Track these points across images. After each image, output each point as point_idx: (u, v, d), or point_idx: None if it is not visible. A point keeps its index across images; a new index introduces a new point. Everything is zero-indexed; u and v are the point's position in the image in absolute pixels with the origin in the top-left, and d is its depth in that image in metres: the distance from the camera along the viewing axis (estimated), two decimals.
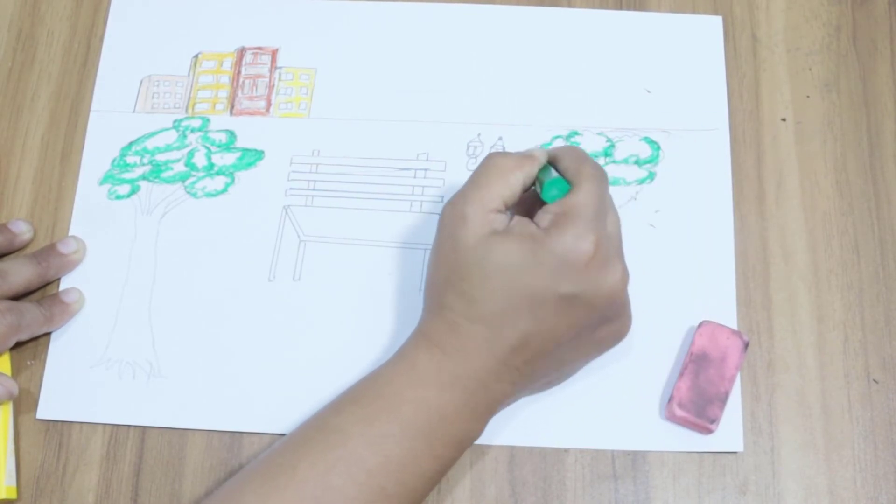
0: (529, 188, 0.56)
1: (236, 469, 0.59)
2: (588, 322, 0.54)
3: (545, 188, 0.54)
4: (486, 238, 0.53)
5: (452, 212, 0.54)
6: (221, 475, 0.59)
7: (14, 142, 0.67)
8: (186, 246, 0.64)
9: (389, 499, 0.51)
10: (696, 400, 0.58)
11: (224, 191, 0.65)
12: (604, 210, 0.54)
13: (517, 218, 0.54)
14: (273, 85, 0.68)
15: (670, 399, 0.58)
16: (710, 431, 0.58)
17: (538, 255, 0.52)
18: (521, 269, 0.52)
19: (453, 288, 0.53)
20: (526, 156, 0.56)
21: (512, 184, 0.54)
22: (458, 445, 0.53)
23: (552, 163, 0.56)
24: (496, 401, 0.54)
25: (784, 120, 0.66)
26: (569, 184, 0.54)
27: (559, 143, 0.66)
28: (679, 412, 0.57)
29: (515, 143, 0.66)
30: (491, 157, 0.56)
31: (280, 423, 0.60)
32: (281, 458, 0.51)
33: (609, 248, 0.53)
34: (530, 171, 0.55)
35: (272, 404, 0.60)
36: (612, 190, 0.64)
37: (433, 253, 0.56)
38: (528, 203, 0.57)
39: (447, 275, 0.54)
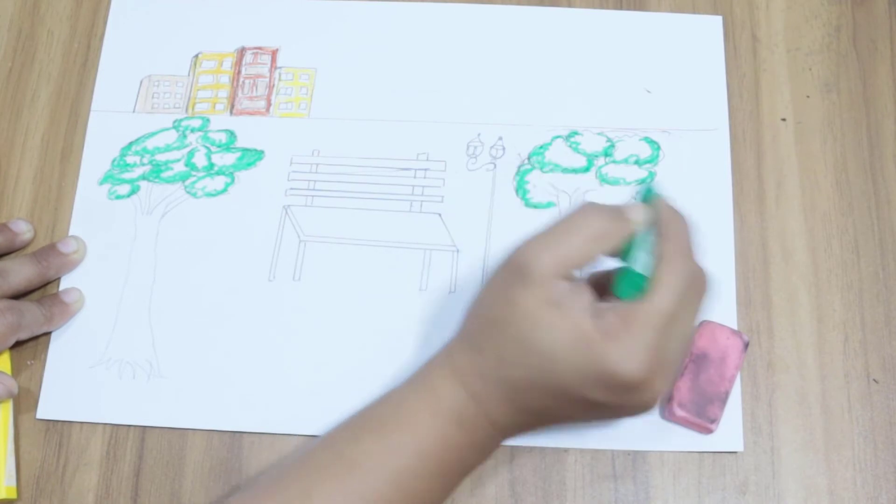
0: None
1: (236, 469, 0.59)
2: (609, 419, 0.57)
3: (620, 282, 0.49)
4: (539, 309, 0.48)
5: (519, 259, 0.50)
6: (221, 475, 0.59)
7: (14, 142, 0.67)
8: (186, 246, 0.64)
9: None
10: (696, 400, 0.58)
11: (224, 191, 0.65)
12: (673, 323, 0.48)
13: (580, 291, 0.50)
14: (273, 85, 0.68)
15: (670, 399, 0.58)
16: (709, 431, 0.58)
17: (582, 356, 0.48)
18: (559, 361, 0.48)
19: (491, 338, 0.50)
20: (621, 218, 0.50)
21: (592, 252, 0.50)
22: (464, 475, 0.53)
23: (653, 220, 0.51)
24: (506, 439, 0.53)
25: (784, 120, 0.66)
26: (644, 279, 0.49)
27: (564, 146, 0.66)
28: (679, 412, 0.57)
29: (515, 143, 0.66)
30: (585, 213, 0.50)
31: (280, 423, 0.60)
32: (294, 483, 0.50)
33: (658, 371, 0.48)
34: (620, 238, 0.50)
35: (272, 404, 0.60)
36: (612, 190, 0.64)
37: (490, 282, 0.52)
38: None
39: (491, 320, 0.51)
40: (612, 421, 0.58)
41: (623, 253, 0.50)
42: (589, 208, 0.51)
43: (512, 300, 0.49)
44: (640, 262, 0.50)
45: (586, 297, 0.50)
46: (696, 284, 0.50)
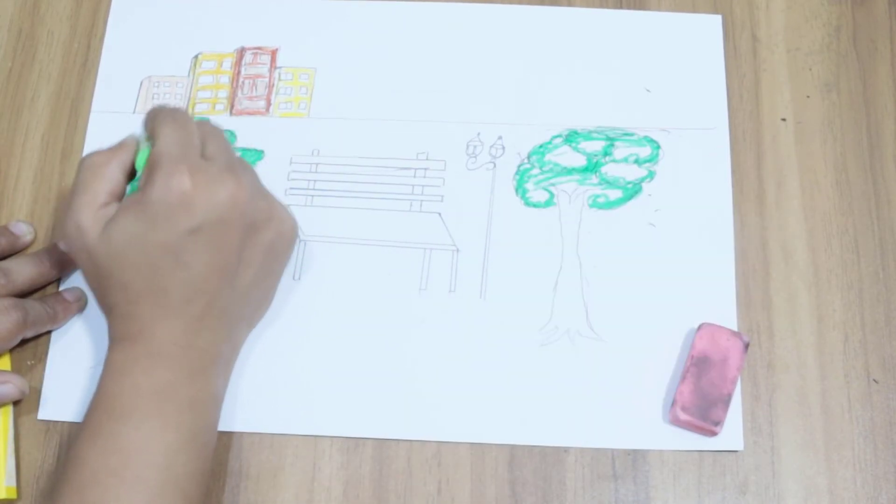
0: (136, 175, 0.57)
1: (236, 469, 0.59)
2: (232, 241, 0.55)
3: (137, 164, 0.57)
4: (105, 230, 0.54)
5: (68, 229, 0.56)
6: (221, 475, 0.59)
7: (14, 142, 0.67)
8: None
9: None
10: (700, 403, 0.58)
11: None
12: (190, 142, 0.55)
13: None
14: (273, 85, 0.68)
15: (673, 403, 0.58)
16: (714, 434, 0.58)
17: (146, 211, 0.53)
18: (142, 233, 0.53)
19: (110, 293, 0.55)
20: (117, 146, 0.57)
21: (109, 176, 0.56)
22: (191, 409, 0.54)
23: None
24: (208, 353, 0.56)
25: (784, 120, 0.66)
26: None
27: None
28: (683, 416, 0.57)
29: (515, 143, 0.66)
30: (82, 160, 0.57)
31: (280, 423, 0.60)
32: None
33: (209, 169, 0.54)
34: (125, 158, 0.57)
35: (271, 404, 0.60)
36: (612, 191, 0.65)
37: (86, 278, 0.58)
38: None
39: (103, 288, 0.56)
40: (271, 249, 0.58)
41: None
42: (85, 156, 0.57)
43: (91, 252, 0.55)
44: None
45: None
46: (179, 112, 0.57)
